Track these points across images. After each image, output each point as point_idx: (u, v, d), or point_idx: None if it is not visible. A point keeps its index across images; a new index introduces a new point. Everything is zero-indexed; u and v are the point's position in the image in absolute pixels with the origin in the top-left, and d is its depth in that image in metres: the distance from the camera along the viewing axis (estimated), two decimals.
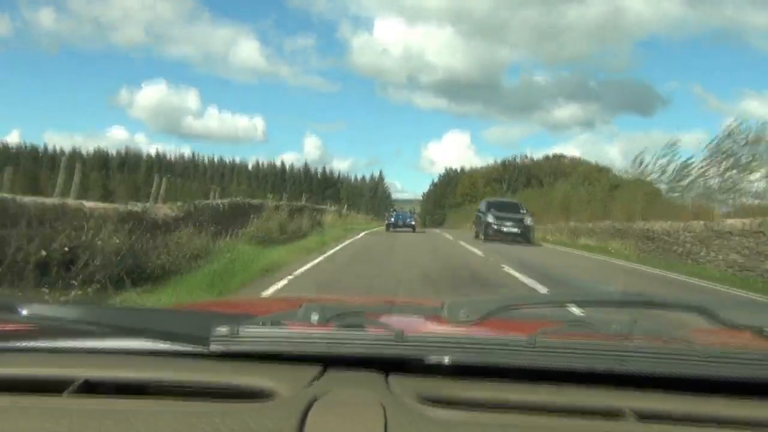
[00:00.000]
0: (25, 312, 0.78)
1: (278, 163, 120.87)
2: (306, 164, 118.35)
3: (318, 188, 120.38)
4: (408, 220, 23.80)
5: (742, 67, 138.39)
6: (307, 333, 0.75)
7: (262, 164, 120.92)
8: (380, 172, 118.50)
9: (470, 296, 4.16)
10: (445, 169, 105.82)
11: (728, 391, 0.70)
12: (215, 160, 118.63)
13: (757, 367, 0.71)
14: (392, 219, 24.10)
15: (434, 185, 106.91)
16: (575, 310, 0.89)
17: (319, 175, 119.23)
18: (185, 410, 0.61)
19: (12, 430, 0.59)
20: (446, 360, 0.71)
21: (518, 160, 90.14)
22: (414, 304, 1.34)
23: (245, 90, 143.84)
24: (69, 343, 0.79)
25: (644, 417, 0.64)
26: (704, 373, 0.70)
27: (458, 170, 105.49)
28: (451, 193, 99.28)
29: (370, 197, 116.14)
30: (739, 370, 0.70)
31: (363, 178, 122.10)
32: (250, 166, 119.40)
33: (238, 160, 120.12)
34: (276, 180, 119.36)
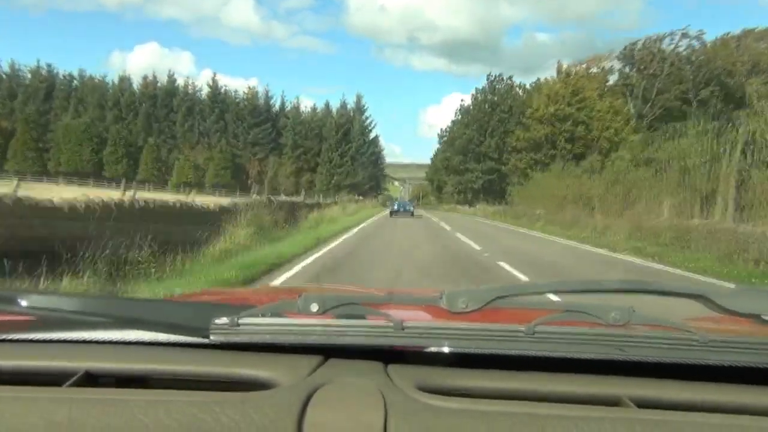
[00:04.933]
0: (24, 303, 0.83)
1: (163, 79, 71.72)
2: (214, 80, 69.51)
3: (238, 124, 73.21)
4: (408, 207, 32.43)
5: (752, 20, 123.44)
6: (307, 323, 0.79)
7: (131, 81, 71.70)
8: (357, 99, 70.76)
9: None
10: (489, 79, 58.56)
11: (728, 378, 0.76)
12: (30, 67, 68.99)
13: (756, 354, 0.76)
14: (395, 207, 32.81)
15: (465, 114, 60.39)
16: (574, 298, 0.91)
17: (240, 102, 71.57)
18: (186, 400, 0.66)
19: (13, 422, 0.64)
20: (445, 349, 0.77)
21: (665, 46, 42.48)
22: (413, 294, 1.42)
23: (240, 52, 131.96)
24: (69, 335, 0.83)
25: (643, 404, 0.70)
26: (703, 360, 0.75)
27: (513, 81, 58.35)
28: (507, 122, 53.37)
29: (336, 143, 69.73)
30: (739, 356, 0.75)
31: (326, 106, 74.74)
32: (109, 83, 70.24)
33: (90, 73, 70.53)
34: (156, 109, 71.70)
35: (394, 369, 0.76)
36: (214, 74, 71.28)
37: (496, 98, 56.42)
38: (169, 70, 71.40)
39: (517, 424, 0.64)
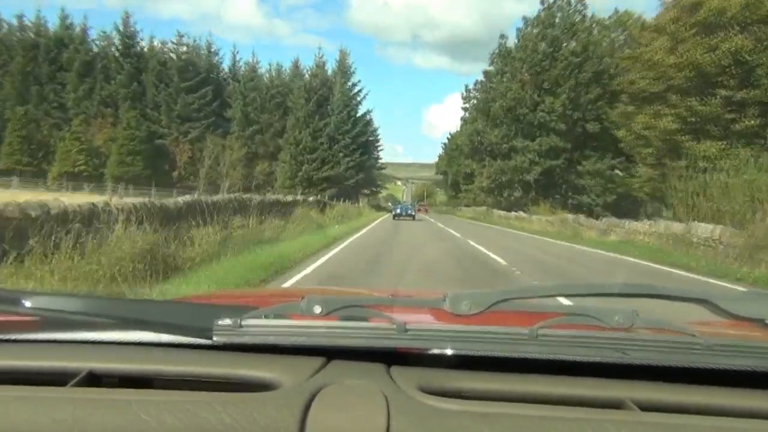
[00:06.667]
0: (28, 304, 0.84)
1: (50, 23, 50.42)
2: (126, 21, 48.09)
3: (162, 88, 51.34)
4: (409, 210, 32.94)
5: None
6: (310, 325, 0.81)
7: (2, 25, 50.30)
8: (341, 56, 49.12)
9: None
10: (545, 3, 36.74)
11: (731, 381, 0.77)
12: None
13: (759, 358, 0.77)
14: (398, 210, 33.33)
15: (504, 59, 37.79)
16: (577, 302, 0.97)
17: (167, 61, 50.29)
18: (189, 401, 0.67)
19: (17, 422, 0.66)
20: (448, 351, 0.79)
21: None
22: (416, 296, 1.46)
23: (242, 50, 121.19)
24: (72, 335, 0.85)
25: (646, 407, 0.71)
26: (706, 364, 0.76)
27: (585, 5, 36.52)
28: (580, 71, 30.10)
29: (306, 116, 48.27)
30: (742, 360, 0.77)
31: (295, 66, 53.42)
32: None
33: None
34: (38, 65, 49.66)
35: (396, 371, 0.77)
36: (126, 15, 49.65)
37: (558, 33, 34.87)
38: (62, 10, 49.59)
39: (519, 426, 0.65)
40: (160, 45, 50.13)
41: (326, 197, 33.74)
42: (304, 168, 46.17)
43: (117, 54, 47.96)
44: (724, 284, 8.50)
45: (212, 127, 48.37)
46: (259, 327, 0.80)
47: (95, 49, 49.10)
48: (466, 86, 43.80)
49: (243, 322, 0.79)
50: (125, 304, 1.12)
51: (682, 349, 0.77)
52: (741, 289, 7.79)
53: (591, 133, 34.14)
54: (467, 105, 45.00)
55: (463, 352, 0.78)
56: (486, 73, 40.36)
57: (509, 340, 0.77)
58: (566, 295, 0.89)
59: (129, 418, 0.65)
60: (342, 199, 37.41)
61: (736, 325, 0.96)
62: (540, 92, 34.55)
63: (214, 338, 0.79)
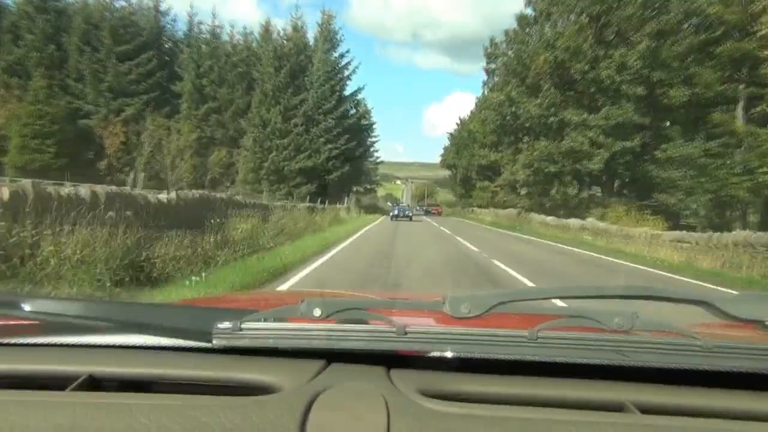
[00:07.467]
0: (28, 308, 0.85)
1: None
2: None
3: (89, 53, 37.97)
4: (406, 212, 34.29)
5: None
6: (310, 328, 0.81)
7: None
8: (323, 19, 37.72)
9: None
10: None
11: (731, 384, 0.78)
12: None
13: (759, 360, 0.78)
14: (395, 211, 34.48)
15: None
16: (577, 304, 0.97)
17: (100, 23, 39.11)
18: (188, 405, 0.68)
19: (17, 426, 0.66)
20: (448, 354, 0.80)
21: None
22: (415, 298, 1.47)
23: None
24: (72, 339, 0.86)
25: (646, 410, 0.72)
26: (707, 366, 0.77)
27: None
28: (664, 11, 19.84)
29: (276, 89, 36.90)
30: (742, 362, 0.77)
31: (265, 31, 42.56)
32: None
33: None
34: None
35: (396, 374, 0.79)
36: None
37: None
38: None
39: (519, 429, 0.66)
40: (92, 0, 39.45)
41: (290, 197, 23.03)
42: (271, 157, 35.50)
43: (30, 9, 37.20)
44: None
45: (154, 103, 37.67)
46: (258, 330, 0.80)
47: (11, 6, 38.50)
48: (492, 39, 32.49)
49: (242, 325, 0.79)
50: (125, 307, 1.12)
51: (682, 351, 0.77)
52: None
53: (676, 104, 23.50)
54: (492, 65, 33.89)
55: (462, 355, 0.78)
56: (520, 20, 29.29)
57: (509, 343, 0.77)
58: (566, 298, 0.90)
59: (129, 422, 0.65)
60: (310, 198, 26.76)
61: (736, 326, 0.97)
62: (596, 40, 23.88)
63: (214, 341, 0.79)
